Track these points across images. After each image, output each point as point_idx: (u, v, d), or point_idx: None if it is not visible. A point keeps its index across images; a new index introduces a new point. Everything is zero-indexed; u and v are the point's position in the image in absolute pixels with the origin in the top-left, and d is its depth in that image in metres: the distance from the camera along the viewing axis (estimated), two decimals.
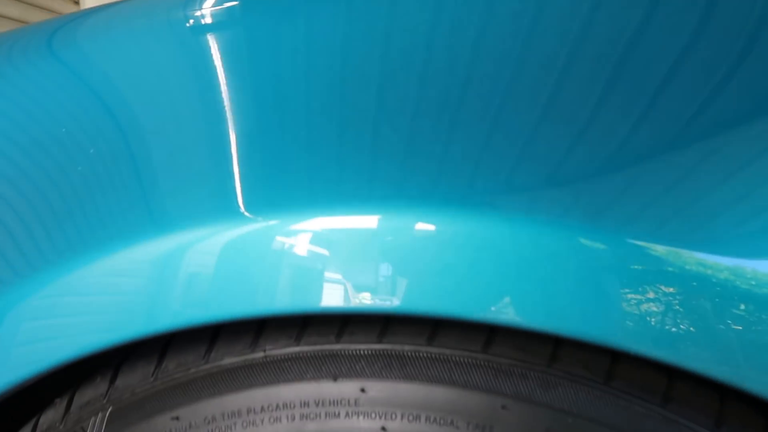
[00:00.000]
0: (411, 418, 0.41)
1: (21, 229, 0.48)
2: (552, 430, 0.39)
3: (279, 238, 0.41)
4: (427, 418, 0.40)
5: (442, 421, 0.40)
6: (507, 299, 0.38)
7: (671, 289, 0.37)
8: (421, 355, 0.42)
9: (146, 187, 0.45)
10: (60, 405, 0.51)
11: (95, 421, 0.48)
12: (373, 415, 0.41)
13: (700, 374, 0.36)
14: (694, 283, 0.36)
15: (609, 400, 0.39)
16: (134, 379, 0.48)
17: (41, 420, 0.51)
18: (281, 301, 0.41)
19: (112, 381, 0.49)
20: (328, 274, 0.40)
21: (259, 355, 0.44)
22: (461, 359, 0.41)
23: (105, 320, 0.44)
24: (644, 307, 0.37)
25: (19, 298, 0.47)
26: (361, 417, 0.41)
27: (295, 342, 0.44)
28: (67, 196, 0.47)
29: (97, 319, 0.45)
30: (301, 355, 0.44)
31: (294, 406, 0.43)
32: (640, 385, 0.39)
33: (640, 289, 0.37)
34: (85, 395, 0.49)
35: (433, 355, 0.41)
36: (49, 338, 0.46)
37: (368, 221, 0.40)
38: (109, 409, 0.47)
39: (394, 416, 0.41)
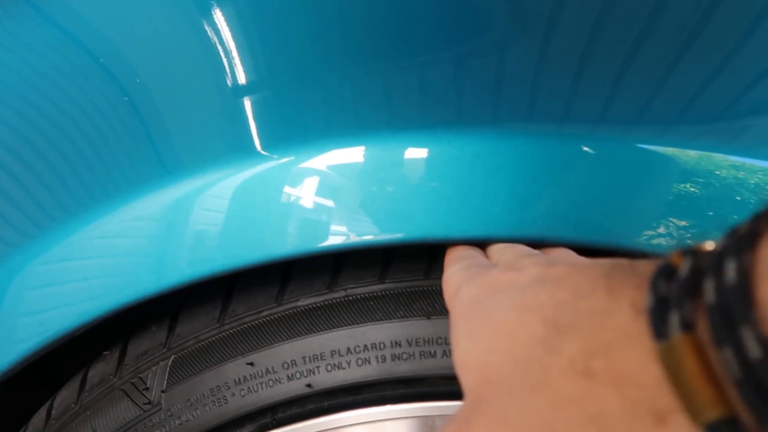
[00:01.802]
0: None
1: (20, 190, 0.44)
2: None
3: (296, 174, 0.38)
4: None
5: None
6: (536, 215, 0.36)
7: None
8: None
9: (154, 134, 0.41)
10: (111, 357, 0.47)
11: (156, 370, 0.44)
12: None
13: None
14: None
15: None
16: (197, 326, 0.44)
17: (90, 373, 0.47)
18: (304, 240, 0.38)
19: (171, 329, 0.45)
20: (348, 209, 0.37)
21: (340, 294, 0.41)
22: None
23: (121, 276, 0.41)
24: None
25: (24, 261, 0.43)
26: None
27: (379, 280, 0.41)
28: (70, 152, 0.43)
29: (114, 275, 0.41)
30: (387, 293, 0.40)
31: (384, 347, 0.39)
32: None
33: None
34: (141, 345, 0.46)
35: None
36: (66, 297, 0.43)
37: (387, 150, 0.37)
38: (172, 358, 0.44)
39: None
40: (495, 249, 0.35)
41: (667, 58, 0.36)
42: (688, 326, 0.17)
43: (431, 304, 0.39)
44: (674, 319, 0.17)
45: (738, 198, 0.36)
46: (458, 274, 0.32)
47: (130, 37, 0.43)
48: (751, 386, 0.15)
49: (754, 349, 0.15)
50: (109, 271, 0.42)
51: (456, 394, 0.39)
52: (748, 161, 0.36)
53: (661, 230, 0.37)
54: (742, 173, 0.36)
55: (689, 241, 0.37)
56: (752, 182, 0.36)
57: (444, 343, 0.39)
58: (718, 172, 0.36)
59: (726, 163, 0.36)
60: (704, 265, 0.18)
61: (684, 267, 0.18)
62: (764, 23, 0.36)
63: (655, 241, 0.36)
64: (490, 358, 0.24)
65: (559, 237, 0.36)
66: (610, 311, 0.20)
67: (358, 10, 0.39)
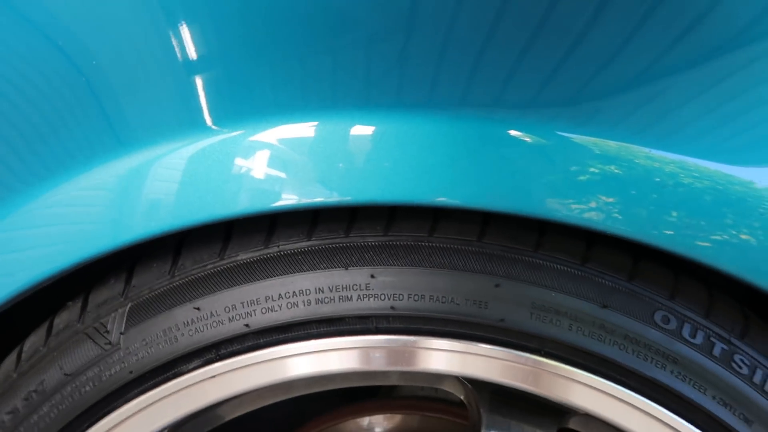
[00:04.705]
0: (416, 298, 0.46)
1: None
2: (538, 303, 0.45)
3: (245, 146, 0.44)
4: (431, 297, 0.46)
5: (444, 300, 0.46)
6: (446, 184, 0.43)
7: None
8: (423, 245, 0.47)
9: (109, 109, 0.46)
10: (74, 306, 0.54)
11: (115, 316, 0.51)
12: (383, 297, 0.46)
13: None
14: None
15: (584, 277, 0.46)
16: (151, 278, 0.51)
17: (56, 321, 0.54)
18: (248, 202, 0.45)
19: (128, 281, 0.52)
20: (293, 176, 0.44)
21: (274, 250, 0.48)
22: (459, 247, 0.46)
23: (79, 237, 0.47)
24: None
25: None
26: (371, 299, 0.47)
27: (306, 237, 0.48)
28: (28, 128, 0.47)
29: (72, 237, 0.48)
30: (313, 248, 0.48)
31: (309, 293, 0.47)
32: (611, 266, 0.46)
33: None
34: (101, 295, 0.52)
35: (434, 245, 0.47)
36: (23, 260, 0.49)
37: (332, 125, 0.44)
38: (129, 306, 0.51)
39: (401, 297, 0.46)
40: None
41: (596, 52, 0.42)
42: None
43: (348, 257, 0.47)
44: None
45: (657, 179, 0.42)
46: None
47: (83, 16, 0.47)
48: None
49: None
50: (70, 232, 0.48)
51: (368, 330, 0.47)
52: (659, 153, 0.42)
53: (592, 204, 0.43)
54: (656, 163, 0.42)
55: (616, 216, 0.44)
56: (667, 170, 0.42)
57: (358, 288, 0.47)
58: (636, 161, 0.42)
59: (641, 153, 0.42)
60: None
61: None
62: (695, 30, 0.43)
63: (586, 215, 0.43)
64: None
65: (494, 207, 0.43)
66: None
67: None
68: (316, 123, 0.44)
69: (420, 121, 0.43)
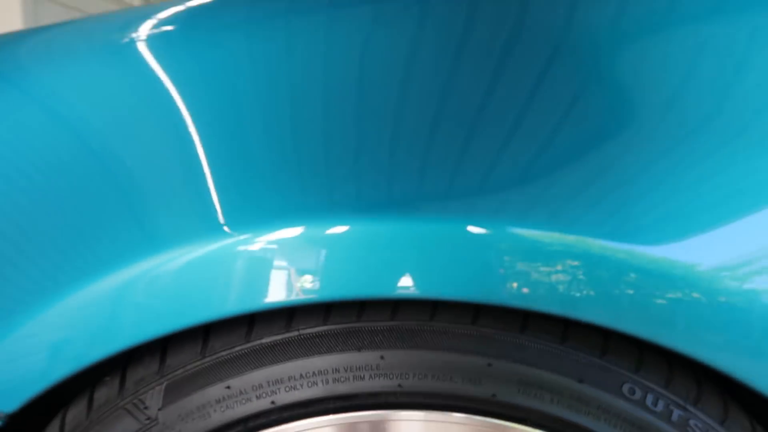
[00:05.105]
0: (420, 376, 0.54)
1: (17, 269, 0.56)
2: (524, 379, 0.53)
3: (252, 248, 0.52)
4: (433, 376, 0.54)
5: (443, 377, 0.54)
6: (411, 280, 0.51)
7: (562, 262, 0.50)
8: (425, 328, 0.54)
9: (145, 219, 0.54)
10: (112, 382, 0.60)
11: (153, 393, 0.57)
12: (392, 376, 0.54)
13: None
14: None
15: (563, 355, 0.54)
16: (184, 359, 0.57)
17: (96, 395, 0.60)
18: (238, 303, 0.52)
19: (162, 361, 0.58)
20: (302, 273, 0.51)
21: (294, 334, 0.56)
22: (456, 330, 0.54)
23: (118, 329, 0.54)
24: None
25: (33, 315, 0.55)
26: (381, 378, 0.54)
27: (323, 323, 0.56)
28: (56, 237, 0.55)
29: (112, 328, 0.54)
30: (329, 332, 0.55)
31: (327, 372, 0.54)
32: (585, 344, 0.54)
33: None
34: (138, 373, 0.59)
35: (435, 329, 0.54)
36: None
37: (321, 229, 0.51)
38: (165, 383, 0.57)
39: (407, 376, 0.54)
40: None
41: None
42: None
43: (361, 340, 0.55)
44: None
45: (608, 268, 0.48)
46: None
47: (113, 140, 0.55)
48: None
49: None
50: (115, 321, 0.54)
51: (378, 405, 0.55)
52: (611, 244, 0.49)
53: (558, 267, 0.51)
54: (608, 252, 0.49)
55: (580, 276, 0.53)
56: (618, 257, 0.49)
57: (370, 369, 0.54)
58: (593, 252, 0.49)
59: (596, 244, 0.49)
60: None
61: None
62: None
63: (553, 277, 0.50)
64: None
65: (460, 298, 0.51)
66: None
67: (303, 132, 0.52)
68: (302, 228, 0.51)
69: (382, 223, 0.51)
